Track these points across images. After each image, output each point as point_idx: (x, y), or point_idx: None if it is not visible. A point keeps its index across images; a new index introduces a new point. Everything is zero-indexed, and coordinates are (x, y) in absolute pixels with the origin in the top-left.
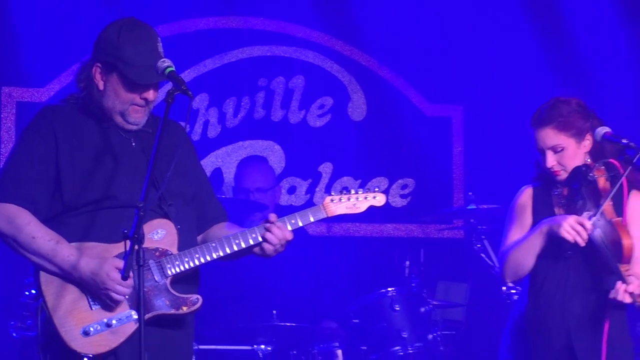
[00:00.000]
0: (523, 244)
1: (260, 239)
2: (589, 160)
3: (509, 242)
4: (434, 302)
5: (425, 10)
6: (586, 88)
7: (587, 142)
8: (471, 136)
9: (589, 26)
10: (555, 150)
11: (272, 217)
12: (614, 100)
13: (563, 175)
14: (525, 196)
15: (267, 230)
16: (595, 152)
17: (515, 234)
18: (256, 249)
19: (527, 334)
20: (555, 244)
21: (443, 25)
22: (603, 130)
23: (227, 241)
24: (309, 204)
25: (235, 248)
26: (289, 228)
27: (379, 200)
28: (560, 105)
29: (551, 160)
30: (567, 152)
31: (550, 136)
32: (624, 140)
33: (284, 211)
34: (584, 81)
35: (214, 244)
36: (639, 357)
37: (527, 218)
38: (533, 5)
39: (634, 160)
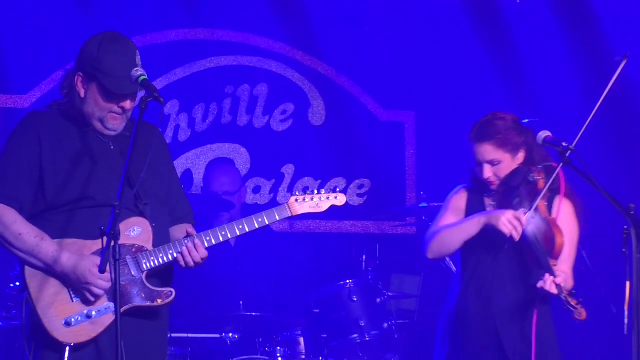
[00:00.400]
0: (456, 227)
1: (238, 232)
2: None
3: (441, 225)
4: (389, 293)
5: (380, 23)
6: (529, 94)
7: (521, 155)
8: (422, 139)
9: (532, 34)
10: (493, 164)
11: (191, 231)
12: (555, 104)
13: (497, 184)
14: (460, 198)
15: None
16: (526, 163)
17: (446, 221)
18: (179, 257)
19: (457, 323)
20: (488, 236)
21: (397, 38)
22: (544, 134)
23: (199, 238)
24: (273, 202)
25: (207, 245)
26: (256, 226)
27: (340, 200)
28: (498, 122)
29: (488, 172)
30: (503, 165)
31: (488, 151)
32: (564, 144)
33: (250, 210)
34: (527, 88)
35: (187, 241)
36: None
37: (460, 217)
38: (479, 17)
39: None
